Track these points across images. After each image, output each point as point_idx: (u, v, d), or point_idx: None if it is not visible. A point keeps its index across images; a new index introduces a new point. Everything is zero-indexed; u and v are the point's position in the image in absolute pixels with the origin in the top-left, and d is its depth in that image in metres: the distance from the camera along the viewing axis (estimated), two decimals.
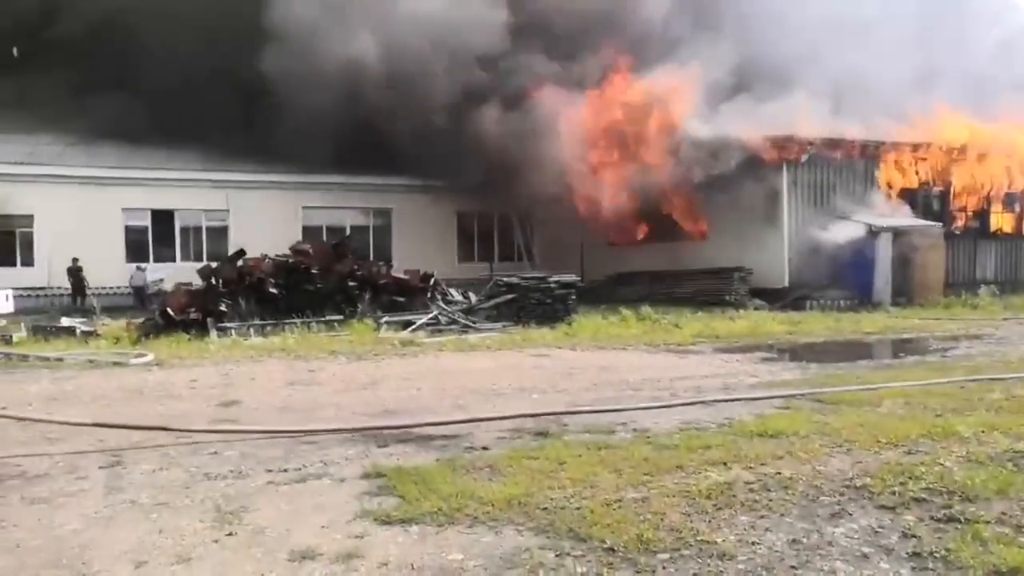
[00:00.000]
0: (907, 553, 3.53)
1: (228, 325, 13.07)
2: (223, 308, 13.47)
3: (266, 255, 15.28)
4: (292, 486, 4.67)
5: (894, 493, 4.34)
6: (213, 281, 14.47)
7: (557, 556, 3.53)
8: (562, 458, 5.13)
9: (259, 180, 22.01)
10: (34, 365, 10.13)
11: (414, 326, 13.62)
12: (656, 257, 20.39)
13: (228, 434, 5.99)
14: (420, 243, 22.71)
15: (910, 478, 4.57)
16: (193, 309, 13.28)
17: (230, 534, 3.85)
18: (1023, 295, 19.65)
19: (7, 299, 9.02)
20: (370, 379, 8.93)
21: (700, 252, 19.37)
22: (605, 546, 3.61)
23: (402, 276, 15.80)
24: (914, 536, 3.72)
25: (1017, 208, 21.84)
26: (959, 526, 3.81)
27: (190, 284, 15.13)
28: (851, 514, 4.05)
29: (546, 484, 4.55)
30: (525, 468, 4.92)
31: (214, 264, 15.57)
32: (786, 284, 18.60)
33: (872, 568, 3.38)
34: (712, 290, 18.18)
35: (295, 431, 6.08)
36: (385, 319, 13.92)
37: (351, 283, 14.78)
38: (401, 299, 15.04)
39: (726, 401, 7.24)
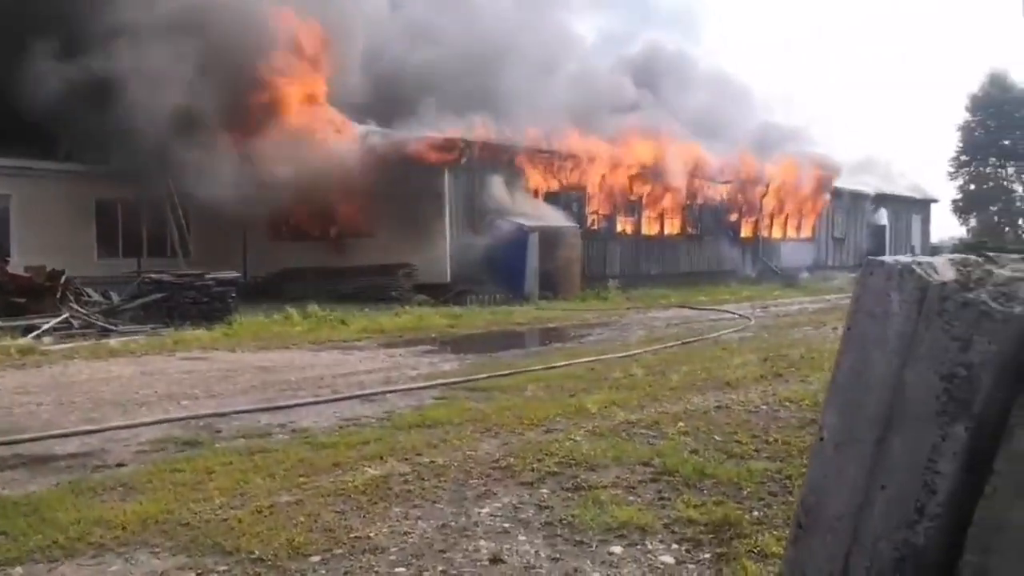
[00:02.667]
0: (541, 523, 3.87)
1: None
2: None
3: None
4: None
5: (533, 470, 4.74)
6: None
7: (198, 575, 3.25)
8: (211, 468, 4.78)
9: None
10: None
11: (37, 331, 11.75)
12: (323, 254, 20.11)
13: None
14: (49, 235, 19.61)
15: (547, 455, 5.03)
16: None
17: None
18: (642, 288, 23.00)
19: None
20: None
21: (367, 249, 19.52)
22: (253, 557, 3.42)
23: (22, 274, 13.54)
24: (548, 507, 4.09)
25: (636, 214, 25.51)
26: (583, 493, 4.28)
27: None
28: (496, 494, 4.34)
29: (190, 498, 4.19)
30: (167, 483, 4.49)
31: None
32: (448, 280, 19.56)
33: (511, 541, 3.65)
34: (379, 286, 18.43)
35: None
36: None
37: None
38: (21, 301, 12.88)
39: (385, 393, 7.36)
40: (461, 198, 20.17)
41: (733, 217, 28.68)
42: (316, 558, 3.43)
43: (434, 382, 8.02)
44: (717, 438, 5.40)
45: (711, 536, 3.65)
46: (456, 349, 11.40)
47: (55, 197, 20.26)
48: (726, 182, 27.16)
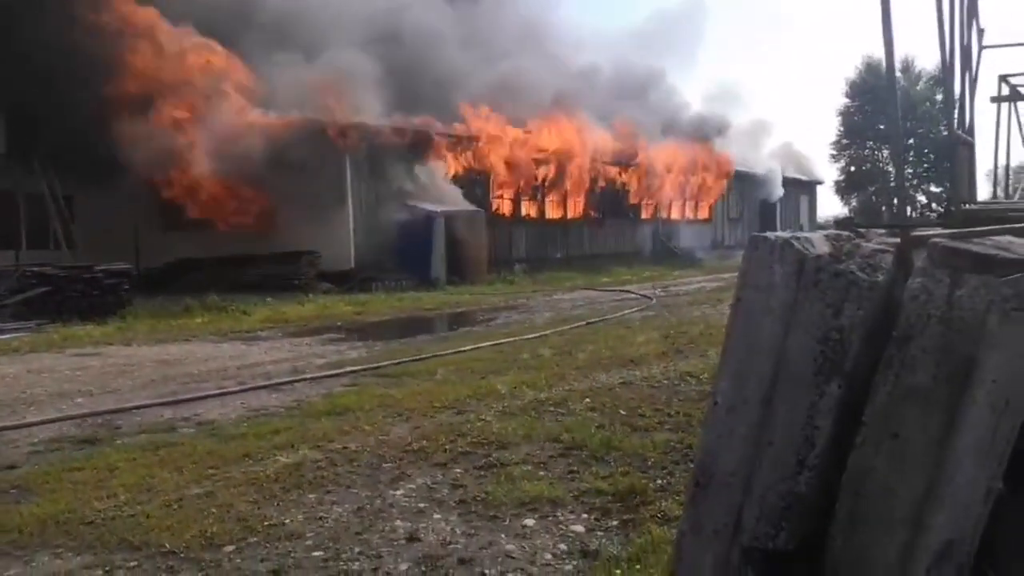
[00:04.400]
0: (455, 502, 3.96)
1: None
2: None
3: None
4: None
5: (446, 451, 4.82)
6: None
7: (106, 572, 3.19)
8: (113, 464, 4.64)
9: None
10: None
11: None
12: (221, 243, 19.43)
13: None
14: None
15: (459, 435, 5.12)
16: None
17: None
18: (547, 272, 23.35)
19: None
20: None
21: (268, 237, 18.99)
22: (164, 550, 3.38)
23: None
24: (462, 486, 4.19)
25: (540, 197, 25.82)
26: (496, 470, 4.40)
27: None
28: (410, 475, 4.40)
29: (93, 496, 4.07)
30: (66, 482, 4.33)
31: None
32: (352, 266, 19.29)
33: (427, 520, 3.73)
34: (282, 275, 17.97)
35: None
36: None
37: None
38: None
39: (293, 382, 7.27)
40: (364, 183, 19.90)
41: (634, 200, 29.43)
42: (231, 547, 3.41)
43: (342, 370, 7.97)
44: (622, 412, 5.62)
45: (618, 505, 3.83)
46: (363, 337, 11.31)
47: None
48: (627, 165, 27.82)
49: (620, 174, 27.95)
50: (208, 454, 4.84)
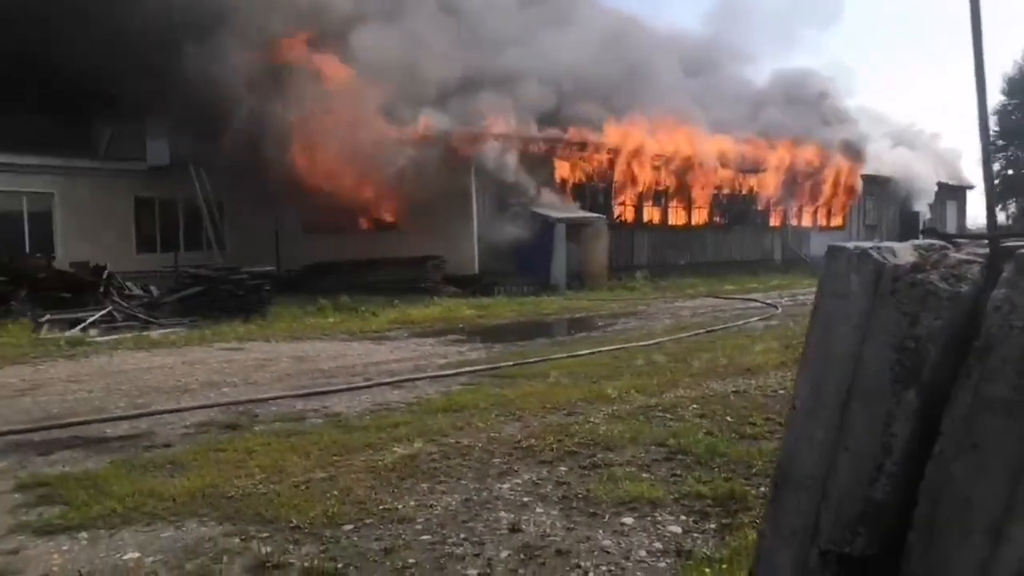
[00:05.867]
0: (558, 497, 4.13)
1: None
2: None
3: None
4: None
5: (553, 450, 5.00)
6: None
7: (242, 540, 3.57)
8: (251, 448, 5.11)
9: None
10: None
11: (83, 324, 12.27)
12: (353, 247, 20.50)
13: None
14: (91, 232, 20.29)
15: (566, 436, 5.28)
16: None
17: None
18: (669, 278, 23.08)
19: None
20: (29, 384, 7.95)
21: (397, 242, 19.86)
22: (292, 525, 3.73)
23: (67, 270, 14.09)
24: (565, 483, 4.35)
25: (663, 203, 25.55)
26: (599, 470, 4.53)
27: None
28: (517, 471, 4.60)
29: (233, 474, 4.52)
30: (211, 461, 4.83)
31: None
32: (476, 271, 19.84)
33: (529, 513, 3.91)
34: (409, 278, 18.76)
35: None
36: (47, 318, 12.34)
37: (1, 278, 12.86)
38: (67, 295, 13.43)
39: (415, 380, 7.66)
40: (488, 190, 20.41)
41: (762, 206, 28.57)
42: (349, 526, 3.72)
43: (461, 369, 8.31)
44: (732, 420, 5.60)
45: (718, 509, 3.88)
46: (484, 339, 11.68)
47: (95, 195, 20.95)
48: (756, 171, 27.05)
49: (748, 179, 27.22)
50: (333, 443, 5.23)
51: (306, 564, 3.28)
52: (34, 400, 7.13)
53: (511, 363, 8.57)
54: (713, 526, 3.66)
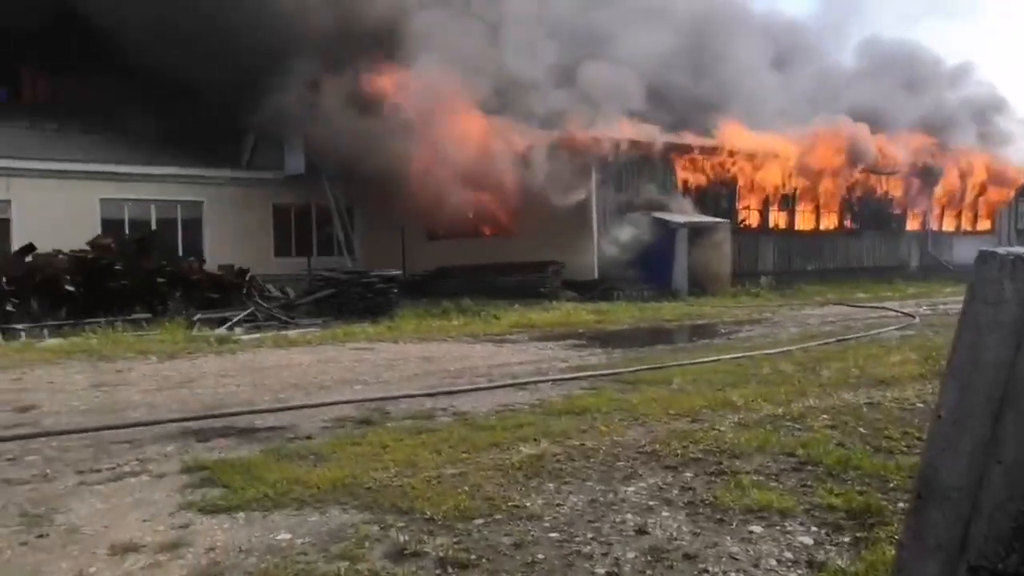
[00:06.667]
0: (684, 502, 4.13)
1: (16, 327, 11.99)
2: (9, 308, 12.33)
3: (59, 250, 14.14)
4: (107, 485, 4.56)
5: (678, 455, 4.99)
6: None
7: (381, 528, 3.78)
8: (385, 443, 5.38)
9: (48, 169, 20.15)
10: None
11: (230, 323, 13.20)
12: (475, 251, 20.99)
13: (27, 439, 5.66)
14: (234, 237, 21.79)
15: (691, 442, 5.26)
16: None
17: (41, 535, 3.75)
18: (796, 285, 22.26)
19: None
20: (185, 377, 8.65)
21: (517, 247, 20.18)
22: (426, 517, 3.92)
23: (216, 272, 15.20)
24: (691, 489, 4.34)
25: (789, 207, 24.67)
26: (726, 478, 4.49)
27: None
28: (641, 475, 4.63)
29: (370, 467, 4.78)
30: (349, 453, 5.12)
31: None
32: (596, 276, 19.86)
33: (655, 516, 3.94)
34: (528, 283, 19.03)
35: (113, 427, 5.85)
36: (199, 317, 13.37)
37: (160, 280, 14.03)
38: (215, 296, 14.49)
39: (537, 382, 7.79)
40: (609, 195, 20.39)
41: (898, 209, 27.04)
42: (480, 521, 3.88)
43: (583, 374, 8.38)
44: (865, 432, 5.40)
45: (852, 522, 3.77)
46: (604, 344, 11.70)
47: (238, 202, 22.48)
48: (891, 172, 25.67)
49: (882, 181, 25.85)
50: (462, 440, 5.42)
51: (441, 554, 3.45)
52: (190, 392, 7.76)
53: (632, 368, 8.56)
54: (847, 539, 3.56)
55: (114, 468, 4.90)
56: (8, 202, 19.60)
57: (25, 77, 23.79)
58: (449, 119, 18.65)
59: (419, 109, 18.49)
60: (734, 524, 3.78)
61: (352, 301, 15.05)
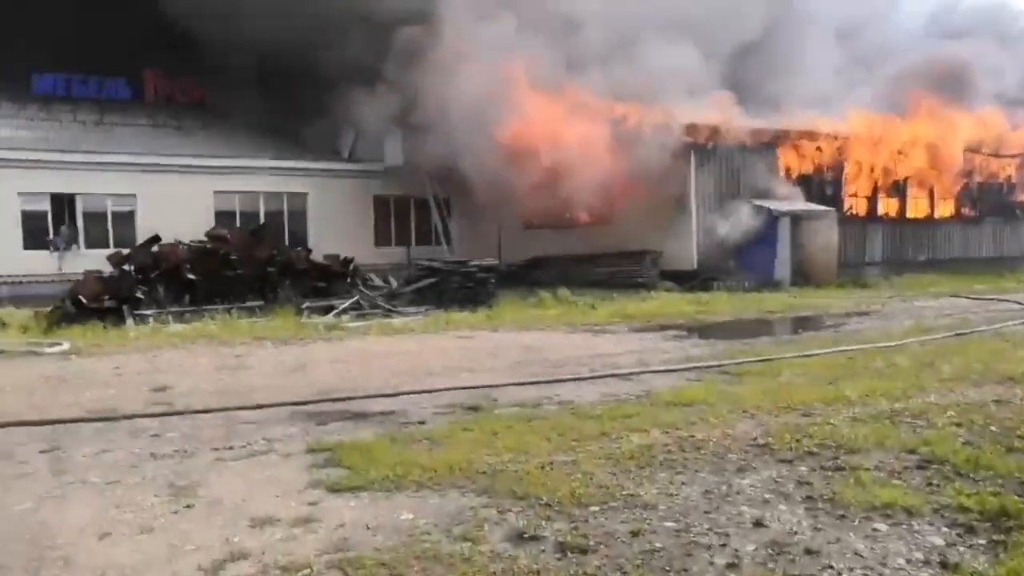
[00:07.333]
0: (801, 497, 4.07)
1: (145, 312, 12.83)
2: (139, 295, 13.20)
3: (180, 241, 15.00)
4: (240, 462, 4.87)
5: (791, 449, 4.90)
6: (126, 268, 14.14)
7: (499, 512, 3.90)
8: (495, 429, 5.51)
9: (168, 164, 21.39)
10: None
11: (337, 311, 13.71)
12: (571, 241, 20.99)
13: (166, 417, 6.09)
14: (337, 227, 22.57)
15: (805, 436, 5.15)
16: (107, 297, 12.96)
17: (188, 506, 4.05)
18: (906, 275, 21.24)
19: None
20: (299, 363, 9.06)
21: (613, 236, 20.05)
22: (542, 502, 4.01)
23: (322, 262, 15.78)
24: (807, 483, 4.27)
25: (900, 194, 23.52)
26: (844, 473, 4.39)
27: (100, 272, 14.67)
28: (755, 468, 4.58)
29: (483, 452, 4.91)
30: (462, 439, 5.27)
31: (125, 251, 15.18)
32: (695, 266, 19.52)
33: (772, 510, 3.90)
34: (625, 273, 18.89)
35: (242, 407, 6.22)
36: (307, 305, 13.93)
37: (271, 269, 14.69)
38: (322, 284, 15.05)
39: (641, 373, 7.78)
40: (708, 183, 19.99)
41: (1021, 196, 25.37)
42: (595, 508, 3.93)
43: (687, 365, 8.30)
44: (995, 431, 5.16)
45: (986, 524, 3.63)
46: (704, 335, 11.52)
47: (341, 194, 23.25)
48: (1015, 155, 24.10)
49: (1007, 165, 24.30)
50: (570, 429, 5.49)
51: (560, 539, 3.53)
52: (305, 377, 8.13)
53: (738, 360, 8.42)
54: (982, 541, 3.44)
55: (245, 446, 5.21)
56: (133, 195, 20.93)
57: (147, 78, 25.25)
58: (547, 105, 18.66)
59: (514, 98, 18.60)
60: (856, 521, 3.70)
61: (452, 290, 15.33)
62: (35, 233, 20.06)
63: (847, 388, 6.61)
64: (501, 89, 18.55)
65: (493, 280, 16.05)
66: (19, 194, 19.84)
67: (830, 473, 4.41)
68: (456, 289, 15.33)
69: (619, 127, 18.16)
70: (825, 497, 4.02)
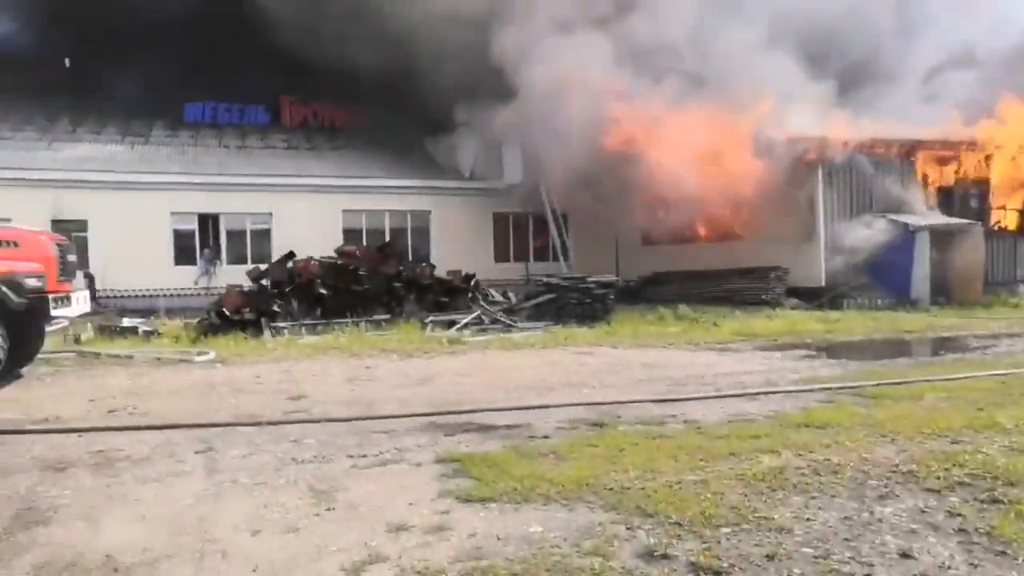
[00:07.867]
0: (953, 529, 3.82)
1: (281, 324, 13.58)
2: (275, 308, 13.99)
3: (312, 257, 15.79)
4: (374, 470, 5.06)
5: (939, 478, 4.62)
6: (264, 282, 15.02)
7: (628, 529, 3.88)
8: (620, 446, 5.48)
9: (301, 184, 22.62)
10: (106, 362, 10.69)
11: (459, 325, 14.02)
12: (692, 257, 20.61)
13: (304, 424, 6.42)
14: (458, 244, 23.14)
15: (954, 465, 4.84)
16: (247, 309, 13.81)
17: (329, 509, 4.26)
18: None
19: (85, 300, 9.54)
20: (424, 375, 9.33)
21: (735, 251, 19.54)
22: (671, 521, 3.96)
23: (445, 277, 16.21)
24: (959, 515, 4.01)
25: None
26: (1002, 507, 4.09)
27: (240, 286, 15.67)
28: (898, 496, 4.35)
29: (609, 468, 4.89)
30: (587, 454, 5.27)
31: (262, 266, 16.14)
32: (823, 283, 18.71)
33: (921, 541, 3.68)
34: (749, 289, 18.35)
35: (379, 417, 6.49)
36: (431, 319, 14.34)
37: (397, 284, 15.23)
38: (445, 299, 15.45)
39: (770, 393, 7.53)
40: (837, 196, 19.16)
41: None
42: (727, 530, 3.84)
43: (818, 386, 7.97)
44: None
45: None
46: (835, 355, 11.02)
47: (462, 211, 23.83)
48: None
49: None
50: (697, 448, 5.39)
51: (691, 559, 3.48)
52: (431, 388, 8.36)
53: (874, 382, 8.01)
54: None
55: (378, 455, 5.42)
56: (270, 214, 22.24)
57: (284, 104, 26.88)
58: (669, 119, 18.45)
59: (633, 113, 18.52)
60: (1020, 559, 3.44)
61: (570, 306, 15.38)
62: (185, 250, 21.66)
63: (1000, 415, 6.16)
64: (619, 104, 18.55)
65: (611, 296, 15.98)
66: (172, 214, 21.50)
67: (985, 505, 4.13)
68: (574, 305, 15.36)
69: (746, 141, 17.71)
70: (981, 531, 3.76)
